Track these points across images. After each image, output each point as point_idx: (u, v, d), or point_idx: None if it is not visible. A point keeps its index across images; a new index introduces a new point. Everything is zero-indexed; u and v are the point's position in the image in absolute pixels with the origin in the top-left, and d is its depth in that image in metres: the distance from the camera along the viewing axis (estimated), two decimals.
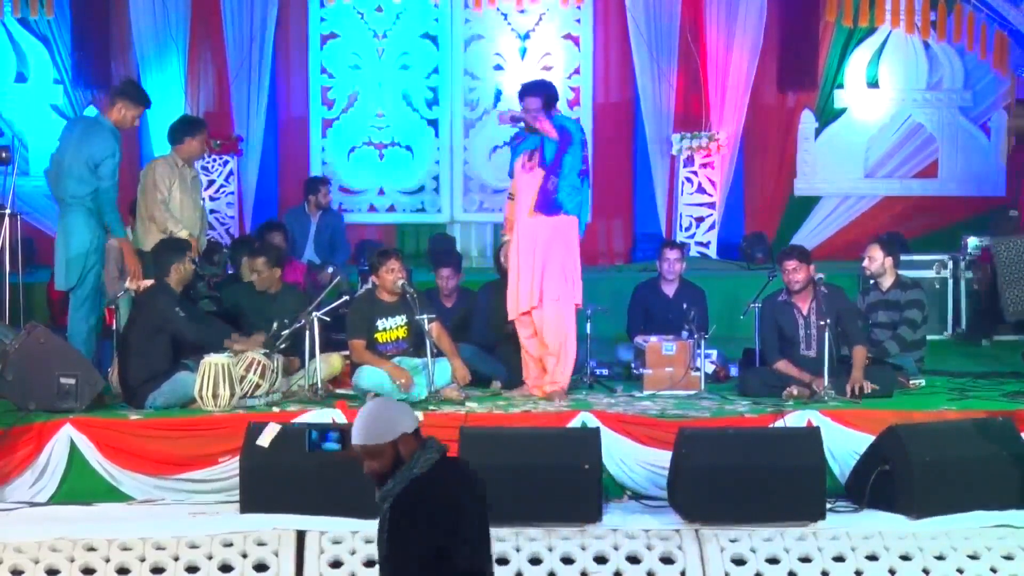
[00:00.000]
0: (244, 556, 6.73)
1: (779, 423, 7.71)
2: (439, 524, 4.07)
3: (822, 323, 8.28)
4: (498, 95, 13.35)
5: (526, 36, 13.39)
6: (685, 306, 9.16)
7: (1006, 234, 10.32)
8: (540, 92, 8.29)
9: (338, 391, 8.46)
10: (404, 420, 4.24)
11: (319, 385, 8.19)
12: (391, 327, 8.49)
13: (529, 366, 8.47)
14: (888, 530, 6.94)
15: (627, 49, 13.09)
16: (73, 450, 7.59)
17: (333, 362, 8.52)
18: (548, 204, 8.24)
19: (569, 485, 6.96)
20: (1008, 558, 6.82)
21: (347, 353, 8.54)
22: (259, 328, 8.51)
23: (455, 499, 4.15)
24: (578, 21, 13.40)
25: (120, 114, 8.59)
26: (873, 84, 13.31)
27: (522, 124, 8.31)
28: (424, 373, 8.23)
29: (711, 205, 12.75)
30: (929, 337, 9.46)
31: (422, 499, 4.11)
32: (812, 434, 7.23)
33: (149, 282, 8.25)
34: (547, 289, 8.29)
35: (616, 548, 6.83)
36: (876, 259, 9.08)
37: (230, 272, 9.92)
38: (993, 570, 6.78)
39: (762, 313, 8.70)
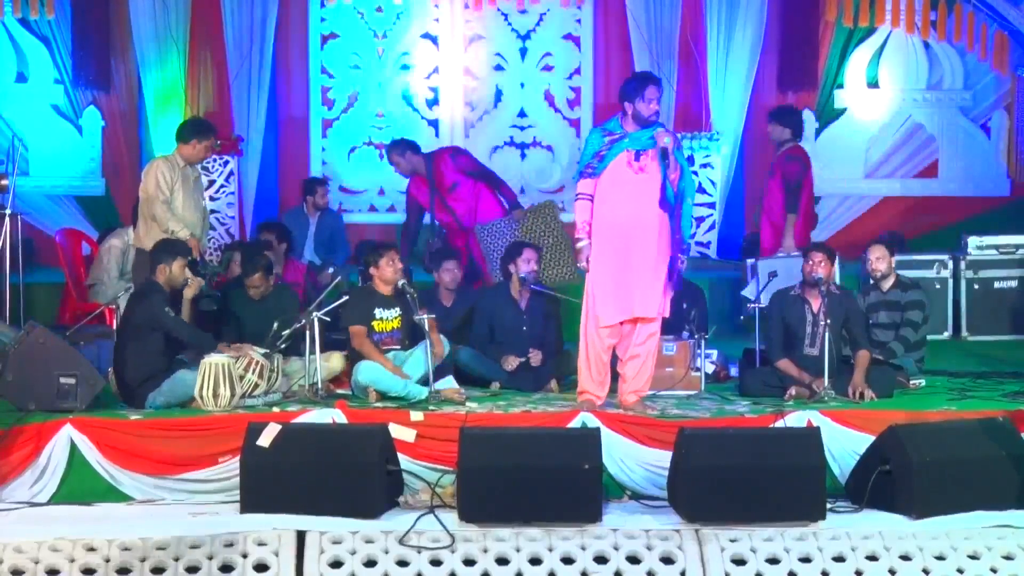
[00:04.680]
0: (244, 556, 6.73)
1: (779, 423, 7.72)
2: None
3: (825, 322, 8.29)
4: (498, 95, 13.35)
5: (526, 36, 13.39)
6: (685, 306, 9.16)
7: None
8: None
9: (338, 391, 8.47)
10: None
11: (319, 385, 8.20)
12: (388, 318, 8.58)
13: (592, 372, 8.06)
14: (888, 530, 6.94)
15: (627, 49, 13.08)
16: (73, 450, 7.59)
17: (333, 362, 8.54)
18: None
19: (569, 485, 6.95)
20: (1008, 558, 6.82)
21: (347, 353, 8.56)
22: (256, 335, 8.49)
23: None
24: (578, 21, 13.38)
25: None
26: (873, 84, 13.30)
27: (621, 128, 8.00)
28: (411, 361, 8.35)
29: (711, 205, 12.74)
30: (929, 337, 9.46)
31: None
32: (812, 434, 7.23)
33: None
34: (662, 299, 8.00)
35: (616, 548, 6.83)
36: (884, 258, 9.08)
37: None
38: (993, 570, 6.78)
39: (771, 307, 8.68)
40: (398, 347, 8.55)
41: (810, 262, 8.55)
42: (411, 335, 8.59)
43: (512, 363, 8.77)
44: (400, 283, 8.52)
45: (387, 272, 8.57)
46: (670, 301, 8.12)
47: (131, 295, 8.47)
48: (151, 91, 12.71)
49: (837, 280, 9.13)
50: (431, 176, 10.62)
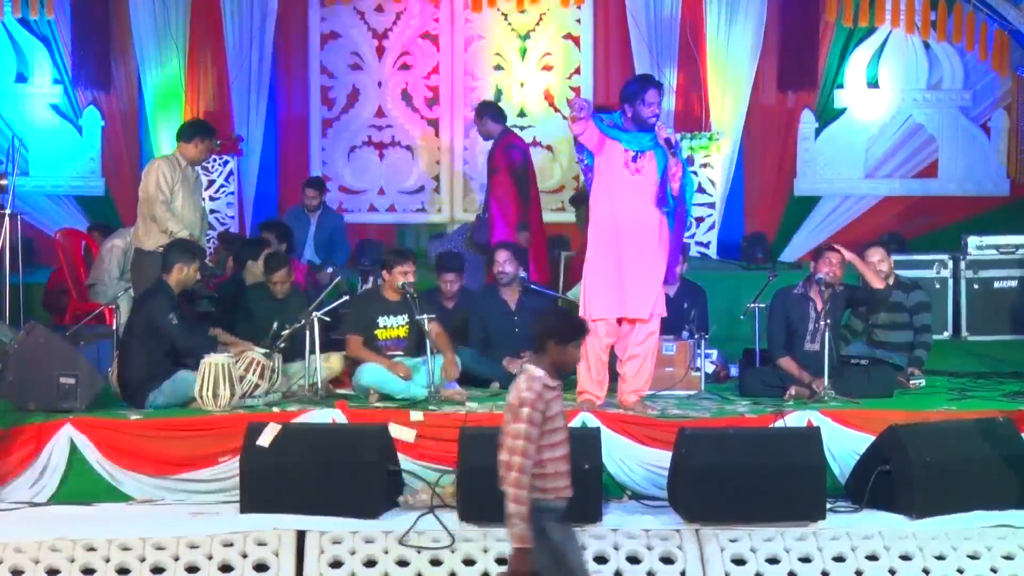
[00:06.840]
0: (244, 556, 6.74)
1: (779, 423, 7.72)
2: None
3: (826, 321, 8.29)
4: (498, 95, 13.34)
5: (526, 36, 13.39)
6: (685, 306, 9.16)
7: None
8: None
9: (338, 391, 8.47)
10: None
11: (319, 385, 8.19)
12: (393, 325, 8.53)
13: (592, 372, 8.05)
14: (888, 530, 6.94)
15: (627, 49, 13.08)
16: (73, 450, 7.60)
17: (333, 362, 8.53)
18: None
19: None
20: (1008, 558, 6.83)
21: (345, 354, 8.55)
22: (266, 330, 8.50)
23: None
24: (578, 21, 13.39)
25: None
26: (873, 84, 13.30)
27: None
28: (423, 371, 8.24)
29: (711, 205, 12.73)
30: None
31: None
32: (812, 434, 7.24)
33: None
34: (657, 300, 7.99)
35: (616, 548, 6.83)
36: (887, 260, 9.05)
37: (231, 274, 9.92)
38: (993, 570, 6.79)
39: (773, 306, 8.65)
40: (402, 354, 8.51)
41: (827, 264, 8.45)
42: (418, 344, 8.47)
43: (516, 367, 8.75)
44: (400, 283, 8.48)
45: (398, 280, 8.50)
46: (667, 299, 8.12)
47: (139, 296, 8.46)
48: (151, 91, 12.72)
49: None
50: (491, 150, 10.56)
